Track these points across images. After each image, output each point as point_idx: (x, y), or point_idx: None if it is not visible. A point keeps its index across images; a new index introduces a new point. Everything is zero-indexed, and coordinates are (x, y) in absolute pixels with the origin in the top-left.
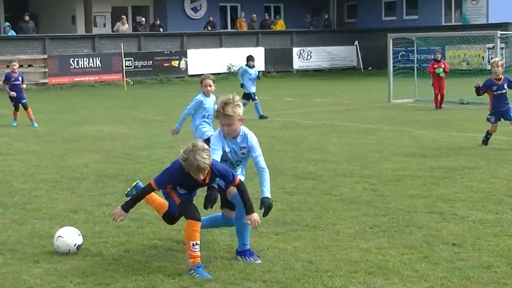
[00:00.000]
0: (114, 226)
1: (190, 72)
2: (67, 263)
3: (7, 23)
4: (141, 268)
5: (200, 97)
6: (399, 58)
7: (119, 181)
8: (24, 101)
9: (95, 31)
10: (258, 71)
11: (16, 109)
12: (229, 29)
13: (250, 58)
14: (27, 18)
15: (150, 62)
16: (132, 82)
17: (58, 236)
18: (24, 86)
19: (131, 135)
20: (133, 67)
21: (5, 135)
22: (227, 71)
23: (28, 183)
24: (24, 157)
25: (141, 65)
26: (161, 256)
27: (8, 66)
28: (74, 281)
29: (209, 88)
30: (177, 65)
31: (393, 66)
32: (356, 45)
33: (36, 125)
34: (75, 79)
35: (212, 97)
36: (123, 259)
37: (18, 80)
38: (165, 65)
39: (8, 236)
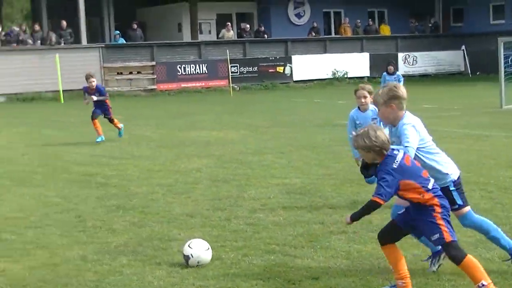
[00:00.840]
0: (230, 230)
1: (295, 78)
2: (188, 266)
3: (117, 31)
4: (261, 273)
5: (352, 113)
6: (510, 62)
7: (232, 186)
8: (108, 115)
9: (201, 38)
10: (400, 76)
11: (93, 118)
12: (333, 35)
13: (389, 63)
14: (135, 26)
15: (255, 68)
16: (238, 88)
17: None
18: (95, 98)
19: (240, 140)
20: (238, 73)
21: (116, 139)
22: (331, 77)
23: (144, 186)
24: (138, 162)
25: (246, 71)
26: (279, 262)
27: (120, 73)
28: (196, 283)
29: (363, 100)
30: (282, 71)
31: (504, 71)
32: (463, 50)
33: (122, 134)
34: (182, 85)
35: (369, 111)
36: (242, 263)
37: (95, 96)
38: (270, 71)
39: (129, 238)
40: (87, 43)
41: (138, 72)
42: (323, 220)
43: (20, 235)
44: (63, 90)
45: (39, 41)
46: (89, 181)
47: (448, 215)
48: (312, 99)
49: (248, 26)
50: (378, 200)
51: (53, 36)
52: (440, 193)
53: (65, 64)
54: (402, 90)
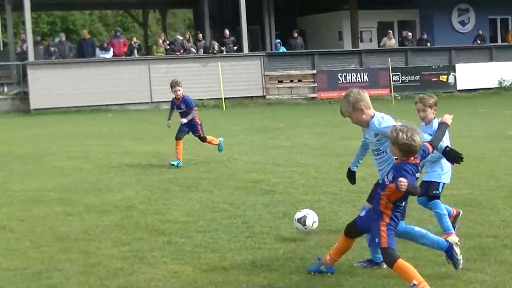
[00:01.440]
0: (399, 241)
1: (458, 87)
2: (356, 274)
3: (278, 40)
4: (431, 285)
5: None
6: None
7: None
8: (197, 133)
9: (362, 46)
10: None
11: (177, 138)
12: (500, 43)
13: None
14: (296, 34)
15: (418, 77)
16: (399, 97)
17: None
18: (185, 120)
19: None
20: (400, 81)
21: (280, 147)
22: (498, 86)
23: (309, 194)
24: (303, 169)
25: (408, 80)
26: (451, 274)
27: (280, 81)
28: None
29: (421, 114)
30: (445, 80)
31: None
32: None
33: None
34: (343, 94)
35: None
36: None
37: (181, 108)
38: (432, 80)
39: (297, 245)
40: (249, 51)
41: (299, 80)
42: (496, 234)
43: (189, 239)
44: (224, 98)
45: (202, 50)
46: (255, 188)
47: (395, 227)
48: (477, 108)
49: (410, 34)
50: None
51: (216, 45)
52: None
53: (227, 72)
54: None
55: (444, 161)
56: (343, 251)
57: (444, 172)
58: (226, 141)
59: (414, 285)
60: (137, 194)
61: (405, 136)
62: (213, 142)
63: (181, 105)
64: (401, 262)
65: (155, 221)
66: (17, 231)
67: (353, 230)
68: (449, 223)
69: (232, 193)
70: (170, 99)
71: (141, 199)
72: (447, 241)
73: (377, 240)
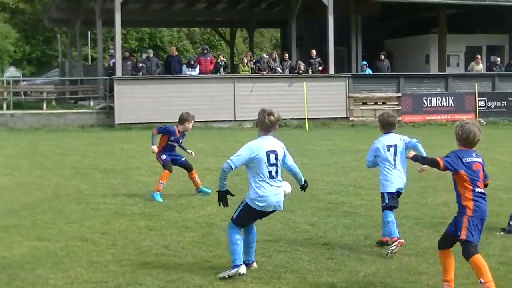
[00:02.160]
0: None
1: None
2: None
3: (364, 62)
4: None
5: None
6: None
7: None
8: (184, 160)
9: (448, 70)
10: None
11: (167, 169)
12: None
13: None
14: (383, 57)
15: (504, 103)
16: (484, 122)
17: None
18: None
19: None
20: (486, 107)
21: (363, 169)
22: None
23: None
24: None
25: (494, 106)
26: None
27: (365, 103)
28: None
29: None
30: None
31: None
32: None
33: (206, 190)
34: (427, 118)
35: None
36: None
37: (178, 142)
38: None
39: (377, 269)
40: (334, 72)
41: (383, 103)
42: None
43: (269, 258)
44: (308, 118)
45: (287, 70)
46: (336, 210)
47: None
48: None
49: (498, 59)
50: (440, 161)
51: (302, 65)
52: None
53: (311, 93)
54: None
55: (385, 170)
56: (448, 268)
57: (387, 181)
58: (308, 162)
59: (481, 282)
60: (219, 211)
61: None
62: (195, 179)
63: (180, 139)
64: (477, 257)
65: None
66: (99, 244)
67: (443, 240)
68: (393, 229)
69: (313, 214)
70: (249, 118)
71: (223, 216)
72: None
73: (459, 233)
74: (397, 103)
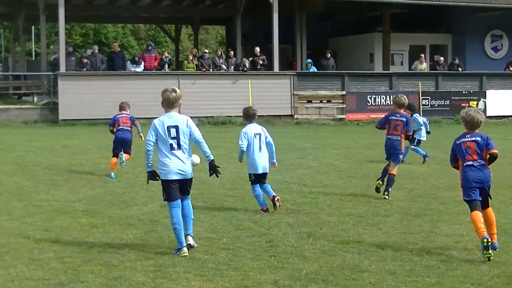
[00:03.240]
0: (423, 266)
1: (488, 113)
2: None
3: (309, 60)
4: None
5: None
6: None
7: (424, 220)
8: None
9: (392, 69)
10: None
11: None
12: None
13: None
14: (328, 55)
15: (447, 102)
16: (428, 121)
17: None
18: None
19: (432, 174)
20: (429, 106)
21: (307, 167)
22: None
23: (334, 216)
24: (329, 190)
25: (438, 104)
26: None
27: (310, 101)
28: None
29: None
30: (475, 106)
31: None
32: None
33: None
34: (372, 116)
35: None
36: None
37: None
38: (462, 105)
39: (319, 266)
40: (279, 70)
41: (328, 101)
42: None
43: (212, 255)
44: None
45: (232, 67)
46: (280, 207)
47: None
48: (507, 135)
49: (442, 58)
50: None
51: (246, 62)
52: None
53: (256, 90)
54: None
55: (249, 155)
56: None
57: (248, 164)
58: None
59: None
60: (162, 208)
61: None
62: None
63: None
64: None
65: None
66: (40, 241)
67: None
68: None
69: (257, 211)
70: (194, 114)
71: (166, 214)
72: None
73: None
74: (341, 101)
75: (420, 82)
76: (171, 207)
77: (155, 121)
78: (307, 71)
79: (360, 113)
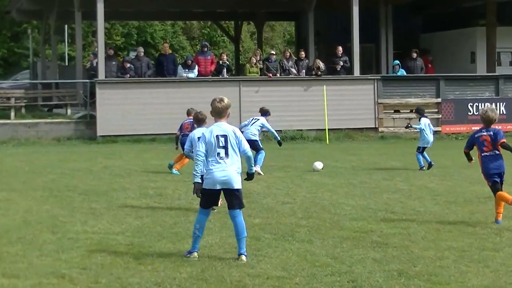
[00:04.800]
0: None
1: None
2: None
3: (396, 61)
4: None
5: None
6: None
7: None
8: None
9: (499, 70)
10: None
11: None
12: None
13: None
14: (414, 55)
15: None
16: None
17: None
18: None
19: None
20: None
21: (396, 191)
22: None
23: (430, 250)
24: (423, 219)
25: None
26: None
27: (397, 111)
28: None
29: None
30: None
31: None
32: None
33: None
34: (474, 128)
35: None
36: None
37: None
38: None
39: None
40: (360, 74)
41: None
42: None
43: None
44: (328, 129)
45: (304, 71)
46: (364, 239)
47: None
48: None
49: None
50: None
51: (321, 65)
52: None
53: (332, 98)
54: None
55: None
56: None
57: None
58: (329, 181)
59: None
60: (222, 241)
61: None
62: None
63: None
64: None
65: (243, 275)
66: (78, 281)
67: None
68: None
69: (336, 245)
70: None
71: (226, 248)
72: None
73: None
74: (436, 110)
75: None
76: (199, 213)
77: (204, 131)
78: (394, 74)
79: (459, 124)
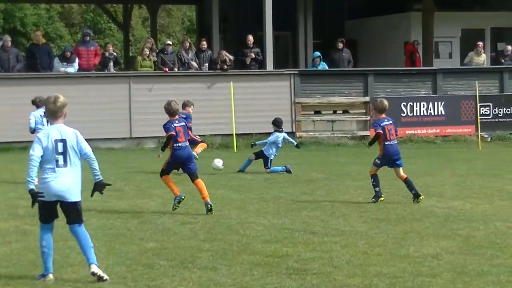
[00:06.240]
0: None
1: None
2: None
3: (317, 53)
4: None
5: None
6: None
7: (486, 282)
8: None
9: (437, 64)
10: None
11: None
12: None
13: None
14: (340, 45)
15: None
16: (489, 138)
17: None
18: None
19: (496, 214)
20: (491, 116)
21: (316, 207)
22: None
23: (357, 276)
24: (348, 240)
25: (503, 114)
26: None
27: (318, 112)
28: None
29: None
30: None
31: None
32: None
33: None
34: (407, 132)
35: None
36: None
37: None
38: None
39: None
40: (274, 68)
41: (345, 111)
42: None
43: None
44: (236, 134)
45: (206, 64)
46: (278, 265)
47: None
48: None
49: (509, 47)
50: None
51: (227, 57)
52: None
53: (241, 98)
54: None
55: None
56: None
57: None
58: (237, 196)
59: None
60: (108, 270)
61: None
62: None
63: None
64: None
65: None
66: None
67: None
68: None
69: (245, 272)
70: (151, 134)
71: (114, 278)
72: None
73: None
74: (364, 111)
75: (477, 82)
76: (41, 229)
77: (39, 135)
78: (315, 68)
79: None
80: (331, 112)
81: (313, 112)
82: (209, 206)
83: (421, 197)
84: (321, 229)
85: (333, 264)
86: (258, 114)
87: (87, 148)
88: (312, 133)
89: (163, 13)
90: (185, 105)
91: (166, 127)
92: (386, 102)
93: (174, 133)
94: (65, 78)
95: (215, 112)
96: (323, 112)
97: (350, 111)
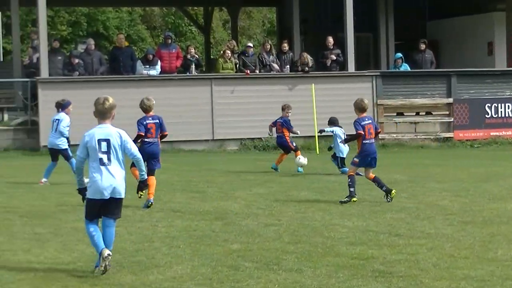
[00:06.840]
0: None
1: None
2: None
3: (399, 54)
4: None
5: None
6: None
7: None
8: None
9: None
10: None
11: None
12: None
13: None
14: (423, 46)
15: None
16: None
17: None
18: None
19: None
20: None
21: (401, 209)
22: None
23: (443, 279)
24: (434, 243)
25: None
26: None
27: (400, 114)
28: None
29: None
30: None
31: None
32: None
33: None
34: (492, 134)
35: None
36: None
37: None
38: None
39: None
40: (355, 69)
41: (428, 113)
42: None
43: None
44: (319, 136)
45: (288, 66)
46: (364, 268)
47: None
48: None
49: None
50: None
51: (308, 59)
52: None
53: (323, 99)
54: None
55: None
56: None
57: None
58: (321, 198)
59: None
60: (194, 271)
61: None
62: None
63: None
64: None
65: None
66: None
67: None
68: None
69: (330, 275)
70: (233, 136)
71: (200, 280)
72: None
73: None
74: (447, 112)
75: None
76: (86, 224)
77: (85, 135)
78: (396, 70)
79: (474, 129)
80: (414, 113)
81: (395, 114)
82: (149, 203)
83: (393, 192)
84: (406, 232)
85: (419, 266)
86: (340, 116)
87: (133, 148)
88: (394, 135)
89: (244, 16)
90: (282, 109)
91: (137, 124)
92: (366, 101)
93: (143, 134)
94: (148, 81)
95: (296, 114)
96: (405, 114)
97: (433, 113)
